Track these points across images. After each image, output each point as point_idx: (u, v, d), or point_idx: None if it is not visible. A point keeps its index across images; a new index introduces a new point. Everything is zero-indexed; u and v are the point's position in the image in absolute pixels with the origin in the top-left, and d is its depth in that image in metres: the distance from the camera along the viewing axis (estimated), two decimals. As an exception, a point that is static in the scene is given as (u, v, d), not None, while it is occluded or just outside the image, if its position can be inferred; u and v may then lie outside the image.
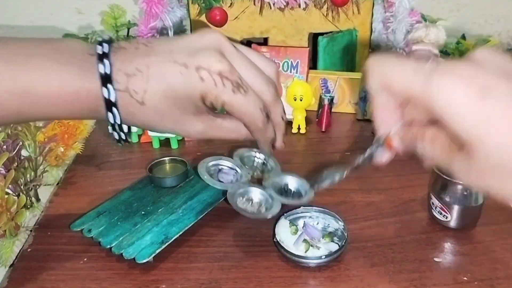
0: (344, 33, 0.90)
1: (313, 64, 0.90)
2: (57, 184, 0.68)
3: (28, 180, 0.65)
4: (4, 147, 0.62)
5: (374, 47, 0.93)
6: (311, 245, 0.53)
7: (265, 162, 0.62)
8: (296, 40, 0.91)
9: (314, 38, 0.91)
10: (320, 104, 0.82)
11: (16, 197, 0.60)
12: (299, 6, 0.86)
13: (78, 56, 0.37)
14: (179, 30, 0.89)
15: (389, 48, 0.89)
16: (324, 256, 0.51)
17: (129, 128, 0.40)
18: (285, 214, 0.56)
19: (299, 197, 0.58)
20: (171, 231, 0.54)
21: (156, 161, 0.65)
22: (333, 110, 0.83)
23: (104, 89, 0.36)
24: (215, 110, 0.40)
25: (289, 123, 0.81)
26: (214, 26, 0.86)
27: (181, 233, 0.54)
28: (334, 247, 0.52)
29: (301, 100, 0.77)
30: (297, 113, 0.79)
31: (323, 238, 0.54)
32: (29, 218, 0.61)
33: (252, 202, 0.57)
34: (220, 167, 0.61)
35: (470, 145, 0.29)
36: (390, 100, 0.35)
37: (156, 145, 0.77)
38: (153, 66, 0.37)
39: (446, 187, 0.55)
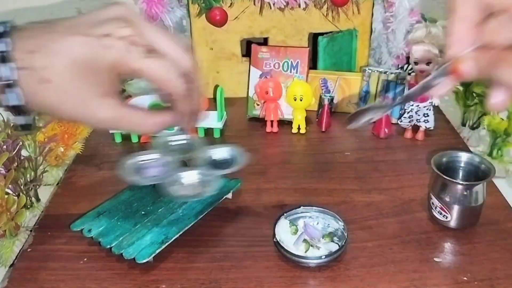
0: (344, 33, 0.90)
1: (313, 64, 0.90)
2: (57, 184, 0.68)
3: (28, 180, 0.65)
4: (4, 147, 0.62)
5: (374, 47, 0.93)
6: (311, 245, 0.53)
7: (187, 141, 0.60)
8: (296, 40, 0.91)
9: (314, 38, 0.91)
10: (320, 104, 0.82)
11: (16, 197, 0.60)
12: (299, 6, 0.86)
13: None
14: (179, 30, 0.89)
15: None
16: (324, 256, 0.51)
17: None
18: (285, 214, 0.56)
19: (232, 164, 0.57)
20: (171, 231, 0.54)
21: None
22: (333, 110, 0.83)
23: (3, 69, 0.34)
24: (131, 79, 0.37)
25: (289, 123, 0.81)
26: (214, 26, 0.86)
27: (181, 233, 0.54)
28: (334, 247, 0.52)
29: (301, 100, 0.77)
30: (297, 113, 0.79)
31: (323, 238, 0.54)
32: (29, 218, 0.61)
33: (190, 185, 0.55)
34: (142, 163, 0.58)
35: None
36: (475, 13, 0.31)
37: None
38: (56, 40, 0.35)
39: (446, 187, 0.55)
